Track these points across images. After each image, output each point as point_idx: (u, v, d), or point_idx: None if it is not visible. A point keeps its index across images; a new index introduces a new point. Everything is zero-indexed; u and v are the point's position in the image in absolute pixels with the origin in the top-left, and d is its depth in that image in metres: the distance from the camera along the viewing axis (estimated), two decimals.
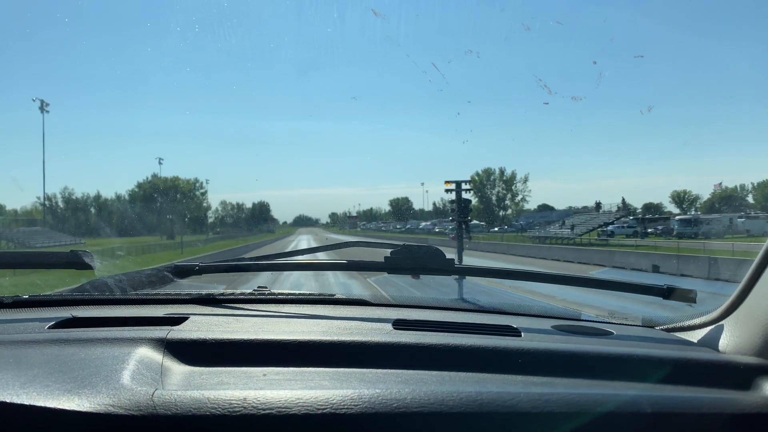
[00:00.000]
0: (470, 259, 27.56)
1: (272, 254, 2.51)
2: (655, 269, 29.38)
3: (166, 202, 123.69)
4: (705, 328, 1.72)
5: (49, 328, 1.58)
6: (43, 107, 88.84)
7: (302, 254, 2.64)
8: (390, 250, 2.02)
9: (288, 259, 2.41)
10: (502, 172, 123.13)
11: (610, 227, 66.06)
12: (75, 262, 2.04)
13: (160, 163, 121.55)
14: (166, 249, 59.73)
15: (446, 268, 2.01)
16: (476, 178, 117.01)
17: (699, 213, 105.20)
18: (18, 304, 1.94)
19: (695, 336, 1.73)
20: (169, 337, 1.43)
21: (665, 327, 1.90)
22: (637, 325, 1.95)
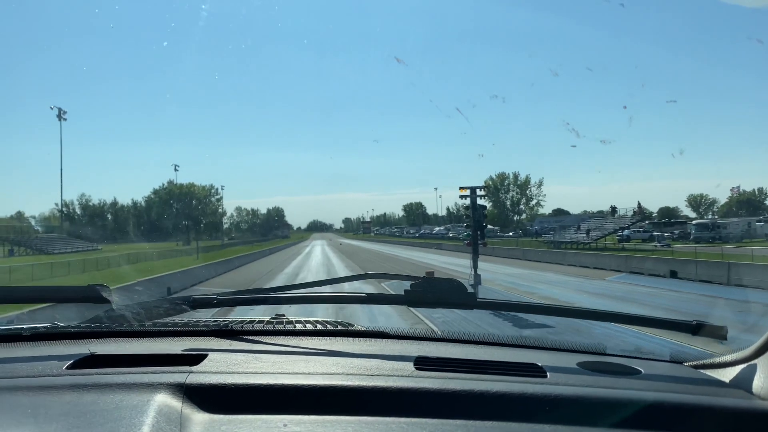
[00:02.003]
0: (486, 265, 27.43)
1: (291, 284, 2.50)
2: (673, 274, 29.05)
3: (181, 208, 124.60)
4: (737, 367, 1.65)
5: (67, 368, 1.56)
6: (60, 115, 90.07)
7: (322, 284, 2.63)
8: (410, 283, 2.00)
9: (306, 291, 2.39)
10: (516, 176, 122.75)
11: (625, 231, 65.49)
12: (92, 296, 2.03)
13: (175, 170, 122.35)
14: (182, 254, 60.15)
15: (467, 302, 1.99)
16: (490, 182, 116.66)
17: (716, 217, 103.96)
18: (37, 336, 1.93)
19: (726, 375, 1.66)
20: (188, 381, 1.41)
21: (694, 364, 1.83)
22: (665, 361, 1.89)
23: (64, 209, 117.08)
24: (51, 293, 2.33)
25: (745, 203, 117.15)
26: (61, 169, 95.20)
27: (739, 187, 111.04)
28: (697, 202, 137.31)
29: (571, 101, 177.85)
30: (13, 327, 1.98)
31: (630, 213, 70.60)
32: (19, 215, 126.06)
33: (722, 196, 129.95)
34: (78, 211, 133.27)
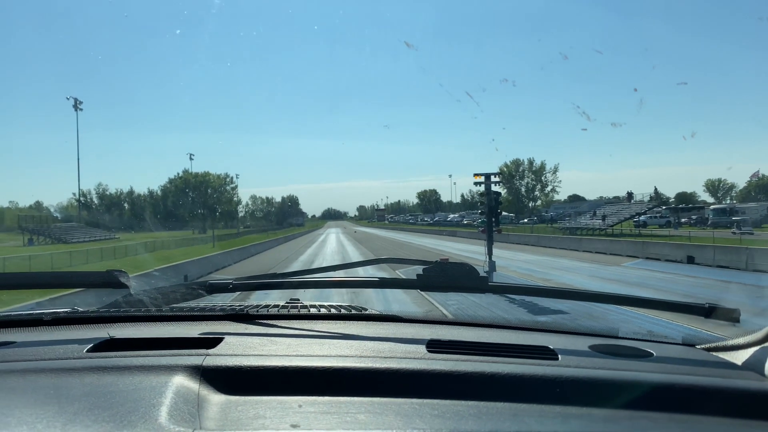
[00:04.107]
0: (500, 252, 27.34)
1: (305, 270, 2.52)
2: (690, 260, 28.79)
3: (197, 197, 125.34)
4: (749, 349, 1.65)
5: (87, 351, 1.60)
6: (76, 105, 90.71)
7: (336, 269, 2.65)
8: (423, 267, 2.02)
9: (321, 275, 2.41)
10: (531, 162, 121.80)
11: (642, 217, 64.92)
12: (111, 282, 2.07)
13: (190, 159, 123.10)
14: (199, 242, 60.55)
15: (480, 286, 1.99)
16: (505, 169, 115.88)
17: (734, 202, 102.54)
18: (57, 321, 1.97)
19: (739, 357, 1.65)
20: (204, 364, 1.43)
21: (706, 346, 1.82)
22: (677, 344, 1.88)
23: (81, 199, 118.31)
24: (72, 278, 2.39)
25: (764, 188, 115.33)
26: (78, 159, 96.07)
27: (758, 171, 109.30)
28: (714, 187, 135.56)
29: (581, 85, 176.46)
30: (34, 312, 2.02)
31: (647, 199, 69.99)
32: (38, 205, 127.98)
33: (735, 179, 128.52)
34: (95, 200, 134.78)
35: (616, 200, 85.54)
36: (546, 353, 1.61)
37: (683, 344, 1.87)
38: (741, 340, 1.71)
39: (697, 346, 1.84)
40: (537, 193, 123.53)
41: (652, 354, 1.67)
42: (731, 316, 1.79)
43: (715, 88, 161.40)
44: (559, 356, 1.58)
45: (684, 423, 1.27)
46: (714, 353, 1.76)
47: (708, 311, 1.81)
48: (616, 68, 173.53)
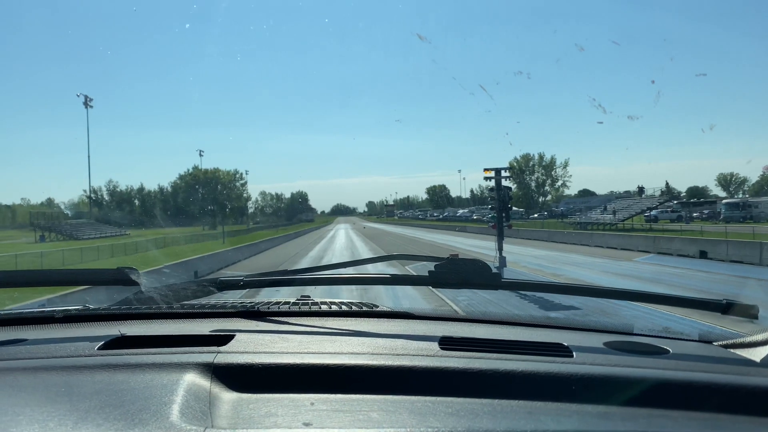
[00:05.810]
0: (511, 247, 27.29)
1: (316, 266, 2.52)
2: (703, 255, 28.58)
3: (207, 193, 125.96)
4: None
5: (98, 348, 1.59)
6: (87, 103, 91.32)
7: (346, 266, 2.64)
8: (435, 264, 2.00)
9: (332, 272, 2.40)
10: (541, 157, 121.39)
11: (653, 212, 64.55)
12: (122, 279, 2.07)
13: (200, 155, 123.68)
14: (209, 239, 60.86)
15: (492, 283, 1.97)
16: (515, 164, 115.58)
17: (747, 196, 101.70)
18: (68, 319, 1.97)
19: (757, 354, 1.62)
20: (216, 361, 1.42)
21: (724, 343, 1.79)
22: (693, 340, 1.85)
23: (92, 195, 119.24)
24: (82, 276, 2.39)
25: None
26: (89, 156, 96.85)
27: None
28: (727, 181, 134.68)
29: (597, 77, 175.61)
30: (45, 309, 2.02)
31: (658, 193, 69.58)
32: (50, 202, 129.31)
33: (754, 174, 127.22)
34: (106, 197, 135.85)
35: (627, 195, 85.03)
36: (560, 350, 1.59)
37: (700, 341, 1.85)
38: (759, 337, 1.67)
39: (714, 343, 1.81)
40: (547, 188, 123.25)
41: (669, 351, 1.64)
42: (749, 312, 1.76)
43: (733, 80, 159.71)
44: (574, 353, 1.56)
45: (702, 421, 1.24)
46: (731, 350, 1.73)
47: (725, 307, 1.77)
48: (633, 60, 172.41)
